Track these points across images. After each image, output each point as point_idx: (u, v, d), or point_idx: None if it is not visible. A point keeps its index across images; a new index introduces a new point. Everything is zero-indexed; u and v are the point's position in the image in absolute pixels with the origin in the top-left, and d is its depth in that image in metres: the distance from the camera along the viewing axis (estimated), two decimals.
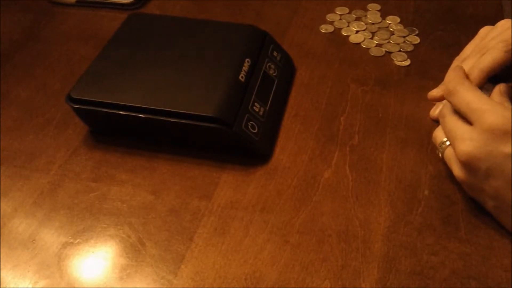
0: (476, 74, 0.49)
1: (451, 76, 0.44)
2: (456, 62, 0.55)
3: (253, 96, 0.51)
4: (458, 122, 0.42)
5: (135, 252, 0.43)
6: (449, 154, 0.44)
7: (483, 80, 0.49)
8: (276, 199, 0.46)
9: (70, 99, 0.50)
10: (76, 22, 0.68)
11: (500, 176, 0.39)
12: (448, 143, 0.44)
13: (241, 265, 0.42)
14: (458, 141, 0.41)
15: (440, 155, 0.46)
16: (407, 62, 0.60)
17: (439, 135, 0.46)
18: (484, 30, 0.54)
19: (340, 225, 0.44)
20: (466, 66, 0.51)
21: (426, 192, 0.46)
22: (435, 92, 0.53)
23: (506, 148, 0.38)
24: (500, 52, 0.48)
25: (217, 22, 0.59)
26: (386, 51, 0.61)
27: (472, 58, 0.51)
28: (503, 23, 0.52)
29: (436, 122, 0.52)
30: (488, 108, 0.40)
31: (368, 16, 0.67)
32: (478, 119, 0.40)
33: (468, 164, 0.40)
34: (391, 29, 0.64)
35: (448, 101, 0.44)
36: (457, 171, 0.42)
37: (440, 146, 0.45)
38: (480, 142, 0.39)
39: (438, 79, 0.55)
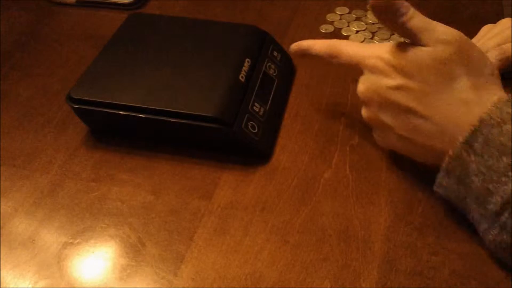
0: None
1: (326, 43, 0.49)
2: None
3: (253, 96, 0.51)
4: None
5: (135, 252, 0.43)
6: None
7: None
8: (276, 199, 0.46)
9: (70, 99, 0.50)
10: (76, 22, 0.68)
11: (389, 106, 0.43)
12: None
13: (241, 265, 0.42)
14: (357, 86, 0.46)
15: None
16: None
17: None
18: (485, 29, 0.54)
19: (340, 225, 0.44)
20: None
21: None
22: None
23: (387, 82, 0.42)
24: (493, 60, 0.49)
25: (217, 22, 0.59)
26: None
27: None
28: (504, 22, 0.52)
29: None
30: (366, 53, 0.44)
31: (368, 16, 0.67)
32: (363, 65, 0.44)
33: (363, 101, 0.45)
34: None
35: (338, 64, 0.47)
36: (362, 111, 0.46)
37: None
38: (367, 80, 0.44)
39: None
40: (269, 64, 0.55)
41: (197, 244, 0.43)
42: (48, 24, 0.68)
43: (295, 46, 0.51)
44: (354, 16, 0.67)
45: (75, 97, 0.49)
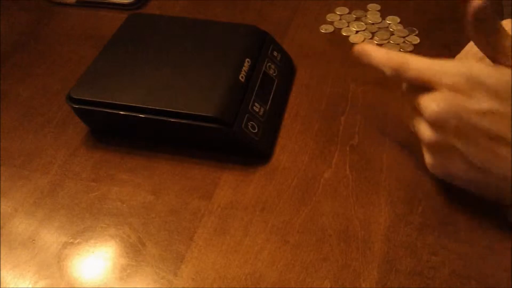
0: None
1: (390, 54, 0.43)
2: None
3: (253, 96, 0.51)
4: (418, 91, 0.41)
5: (135, 252, 0.43)
6: (417, 122, 0.43)
7: None
8: (276, 199, 0.46)
9: (70, 99, 0.50)
10: (76, 22, 0.68)
11: (471, 131, 0.38)
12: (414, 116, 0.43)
13: (241, 265, 0.42)
14: (425, 103, 0.40)
15: (411, 127, 0.44)
16: None
17: (406, 108, 0.45)
18: None
19: (340, 225, 0.44)
20: None
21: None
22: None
23: (474, 104, 0.37)
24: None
25: (217, 22, 0.59)
26: None
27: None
28: (505, 23, 0.52)
29: None
30: (443, 69, 0.39)
31: (368, 16, 0.67)
32: (438, 83, 0.39)
33: (437, 122, 0.39)
34: (391, 29, 0.64)
35: (402, 79, 0.43)
36: (427, 133, 0.41)
37: (408, 121, 0.44)
38: (447, 100, 0.39)
39: None
40: (269, 64, 0.55)
41: (197, 244, 0.43)
42: (48, 24, 0.68)
43: (360, 48, 0.46)
44: (354, 16, 0.67)
45: (75, 97, 0.49)
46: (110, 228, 0.45)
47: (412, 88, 0.43)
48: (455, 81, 0.38)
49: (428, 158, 0.43)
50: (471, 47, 0.54)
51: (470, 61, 0.40)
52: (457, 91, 0.38)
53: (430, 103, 0.39)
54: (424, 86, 0.41)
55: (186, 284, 0.41)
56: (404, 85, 0.44)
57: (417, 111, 0.42)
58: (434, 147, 0.41)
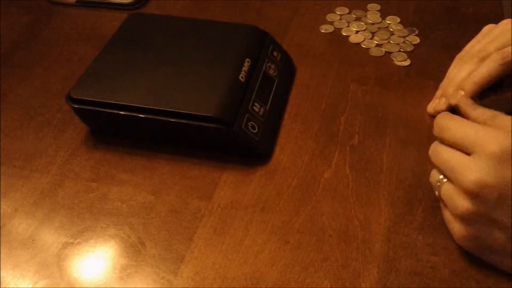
0: (470, 86, 0.49)
1: (440, 117, 0.43)
2: (456, 59, 0.55)
3: (253, 96, 0.51)
4: (456, 153, 0.40)
5: (135, 252, 0.43)
6: (447, 189, 0.40)
7: (476, 93, 0.49)
8: (276, 199, 0.46)
9: (70, 99, 0.50)
10: (76, 22, 0.68)
11: None
12: (445, 180, 0.41)
13: (241, 265, 0.42)
14: (462, 171, 0.38)
15: (436, 193, 0.42)
16: (407, 62, 0.60)
17: (435, 174, 0.43)
18: (486, 29, 0.54)
19: (340, 225, 0.44)
20: (463, 72, 0.51)
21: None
22: (435, 105, 0.53)
23: None
24: (496, 64, 0.48)
25: (217, 22, 0.59)
26: (386, 51, 0.61)
27: (469, 62, 0.51)
28: (505, 23, 0.52)
29: (435, 117, 0.52)
30: (488, 135, 0.38)
31: (368, 16, 0.67)
32: (479, 148, 0.38)
33: (477, 193, 0.37)
34: (391, 29, 0.64)
35: (441, 138, 0.42)
36: (463, 204, 0.38)
37: (436, 184, 0.42)
38: (488, 168, 0.37)
39: (438, 79, 0.55)
40: (269, 64, 0.55)
41: (197, 244, 0.43)
42: (48, 24, 0.68)
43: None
44: (354, 16, 0.67)
45: (75, 97, 0.49)
46: (110, 228, 0.45)
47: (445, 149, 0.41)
48: (498, 147, 0.37)
49: (459, 229, 0.40)
50: (471, 47, 0.54)
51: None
52: (499, 158, 0.37)
53: (468, 171, 0.38)
54: (462, 148, 0.39)
55: (186, 284, 0.41)
56: (437, 143, 0.43)
57: (450, 167, 0.40)
58: (470, 219, 0.39)
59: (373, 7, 0.68)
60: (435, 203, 0.45)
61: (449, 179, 0.40)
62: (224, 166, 0.49)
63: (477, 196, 0.37)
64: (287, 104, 0.55)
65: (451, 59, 0.55)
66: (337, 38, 0.64)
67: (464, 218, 0.39)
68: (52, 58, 0.62)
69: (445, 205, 0.42)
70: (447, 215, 0.42)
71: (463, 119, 0.42)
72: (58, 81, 0.59)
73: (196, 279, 0.41)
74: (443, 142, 0.42)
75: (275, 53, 0.57)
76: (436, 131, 0.43)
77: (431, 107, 0.53)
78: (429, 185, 0.46)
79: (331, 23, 0.66)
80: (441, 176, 0.42)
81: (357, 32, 0.65)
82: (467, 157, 0.39)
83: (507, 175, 0.36)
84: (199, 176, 0.49)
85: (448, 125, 0.41)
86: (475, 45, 0.53)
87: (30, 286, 0.41)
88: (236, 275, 0.41)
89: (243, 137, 0.48)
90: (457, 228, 0.40)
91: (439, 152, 0.42)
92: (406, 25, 0.65)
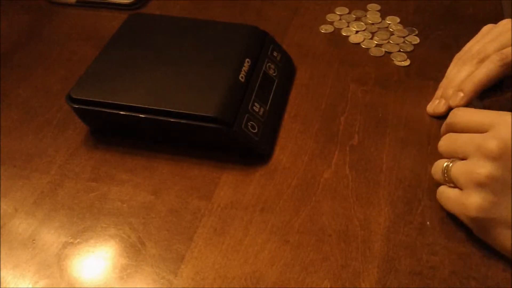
0: (469, 88, 0.49)
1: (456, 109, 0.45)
2: (455, 59, 0.55)
3: (253, 96, 0.51)
4: (473, 134, 0.41)
5: (135, 252, 0.43)
6: (459, 167, 0.41)
7: (475, 95, 0.49)
8: (276, 199, 0.46)
9: (70, 99, 0.50)
10: (76, 22, 0.68)
11: None
12: (451, 164, 0.42)
13: (241, 265, 0.42)
14: (484, 139, 0.39)
15: (442, 179, 0.43)
16: (407, 62, 0.60)
17: (439, 163, 0.44)
18: (485, 29, 0.54)
19: (340, 225, 0.44)
20: (462, 73, 0.51)
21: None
22: (436, 105, 0.53)
23: None
24: (495, 66, 0.48)
25: (217, 22, 0.59)
26: (385, 51, 0.61)
27: (468, 63, 0.52)
28: (505, 23, 0.52)
29: (434, 118, 0.52)
30: (505, 115, 0.39)
31: (368, 16, 0.67)
32: (498, 122, 0.39)
33: (500, 155, 0.38)
34: (391, 29, 0.64)
35: (455, 124, 0.43)
36: (483, 170, 0.39)
37: (443, 171, 0.43)
38: (510, 134, 0.38)
39: (438, 79, 0.55)
40: (269, 64, 0.55)
41: (197, 244, 0.43)
42: (48, 24, 0.68)
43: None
44: (354, 16, 0.67)
45: (75, 97, 0.49)
46: (110, 228, 0.45)
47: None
48: (501, 148, 0.38)
49: (475, 200, 0.40)
50: (470, 47, 0.54)
51: None
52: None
53: (489, 141, 0.39)
54: (476, 130, 0.41)
55: (186, 284, 0.41)
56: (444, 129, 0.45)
57: (469, 145, 0.41)
58: (490, 184, 0.39)
59: (373, 7, 0.68)
60: (435, 203, 0.45)
61: (465, 158, 0.41)
62: (224, 166, 0.49)
63: (500, 157, 0.38)
64: (287, 104, 0.55)
65: (450, 59, 0.55)
66: (337, 38, 0.64)
67: (482, 185, 0.39)
68: (52, 58, 0.63)
69: (455, 186, 0.42)
70: (455, 195, 0.42)
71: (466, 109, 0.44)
72: (58, 81, 0.59)
73: (196, 279, 0.41)
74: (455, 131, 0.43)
75: (275, 53, 0.57)
76: (450, 120, 0.44)
77: (430, 108, 0.53)
78: (429, 185, 0.46)
79: (331, 23, 0.66)
80: (446, 163, 0.43)
81: (357, 32, 0.65)
82: (483, 134, 0.40)
83: None
84: (199, 176, 0.49)
85: (465, 112, 0.43)
86: (474, 45, 0.53)
87: (30, 286, 0.41)
88: (236, 275, 0.41)
89: (243, 137, 0.48)
90: (472, 199, 0.40)
91: (455, 138, 0.43)
92: (406, 25, 0.65)
